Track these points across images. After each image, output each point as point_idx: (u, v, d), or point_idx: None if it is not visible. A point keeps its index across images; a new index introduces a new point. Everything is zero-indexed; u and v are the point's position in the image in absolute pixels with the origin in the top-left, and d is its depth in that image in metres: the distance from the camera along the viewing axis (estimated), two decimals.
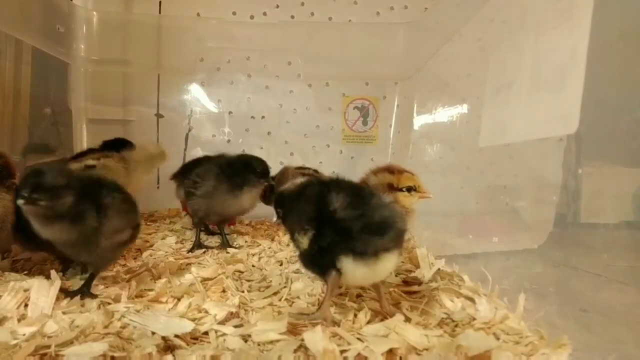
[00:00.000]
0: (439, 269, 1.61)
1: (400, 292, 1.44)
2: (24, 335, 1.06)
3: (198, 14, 2.88)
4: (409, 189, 1.55)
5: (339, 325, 1.17)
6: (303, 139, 2.96)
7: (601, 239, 1.27)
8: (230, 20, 2.87)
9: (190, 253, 1.93)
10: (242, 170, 2.01)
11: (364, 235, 1.10)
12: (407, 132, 2.74)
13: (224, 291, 1.44)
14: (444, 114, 2.31)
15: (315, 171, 2.56)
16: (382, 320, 1.19)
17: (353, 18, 2.93)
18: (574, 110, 1.21)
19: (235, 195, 2.01)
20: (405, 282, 1.55)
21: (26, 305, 1.21)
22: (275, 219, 1.36)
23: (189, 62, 2.85)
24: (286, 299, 1.39)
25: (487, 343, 1.04)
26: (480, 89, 1.78)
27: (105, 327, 1.11)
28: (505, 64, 1.66)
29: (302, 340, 1.04)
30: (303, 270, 1.65)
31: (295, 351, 1.02)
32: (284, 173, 2.40)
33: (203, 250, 1.97)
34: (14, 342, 1.02)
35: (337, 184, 1.23)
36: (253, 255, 1.91)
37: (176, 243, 2.06)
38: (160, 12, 2.87)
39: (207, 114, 2.94)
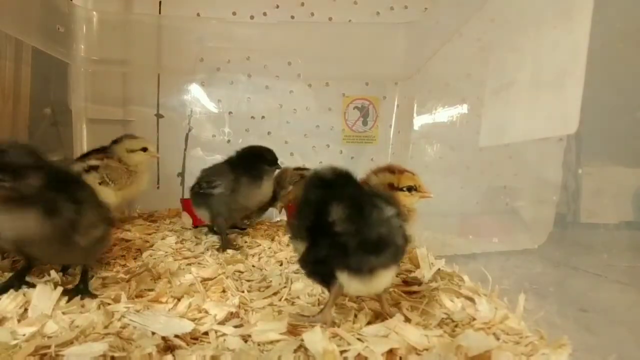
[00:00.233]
0: (439, 269, 1.62)
1: (400, 292, 1.44)
2: (24, 335, 1.06)
3: (198, 14, 2.88)
4: (410, 189, 1.54)
5: (338, 325, 1.17)
6: (303, 139, 2.96)
7: (601, 239, 1.27)
8: (230, 20, 2.87)
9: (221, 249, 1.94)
10: (256, 161, 2.10)
11: (359, 252, 1.08)
12: (407, 132, 2.74)
13: (224, 291, 1.44)
14: (444, 114, 2.31)
15: None
16: (382, 320, 1.19)
17: (353, 18, 2.93)
18: (574, 110, 1.21)
19: (258, 185, 2.08)
20: (405, 282, 1.55)
21: (26, 310, 1.21)
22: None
23: (189, 62, 2.86)
24: (286, 299, 1.39)
25: (487, 343, 1.04)
26: (480, 89, 1.78)
27: (105, 327, 1.11)
28: (505, 64, 1.66)
29: (302, 340, 1.04)
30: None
31: (295, 351, 1.02)
32: (283, 174, 2.40)
33: (236, 247, 2.00)
34: (14, 342, 1.02)
35: (341, 188, 1.21)
36: (253, 255, 1.91)
37: (176, 243, 2.06)
38: (160, 12, 2.88)
39: (207, 114, 2.94)
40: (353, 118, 2.99)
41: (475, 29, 2.01)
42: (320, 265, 1.15)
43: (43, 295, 1.25)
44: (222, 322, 1.18)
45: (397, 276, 1.60)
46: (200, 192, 2.07)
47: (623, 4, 1.24)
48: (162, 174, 2.84)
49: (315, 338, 1.04)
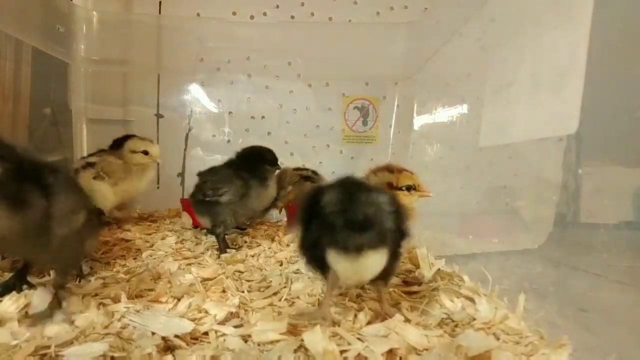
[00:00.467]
0: (439, 269, 1.61)
1: (400, 292, 1.44)
2: (24, 335, 1.06)
3: (198, 14, 2.88)
4: (409, 188, 1.54)
5: (338, 325, 1.17)
6: (303, 139, 2.96)
7: (601, 239, 1.27)
8: (230, 20, 2.88)
9: (221, 255, 1.89)
10: (258, 162, 2.08)
11: (345, 229, 1.09)
12: (407, 132, 2.74)
13: (224, 291, 1.44)
14: (444, 114, 2.31)
15: (314, 172, 2.56)
16: (382, 320, 1.19)
17: (353, 18, 2.94)
18: (574, 110, 1.21)
19: (265, 187, 2.08)
20: (405, 282, 1.55)
21: (27, 313, 1.21)
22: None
23: (189, 62, 2.86)
24: (286, 299, 1.39)
25: (487, 343, 1.04)
26: (480, 89, 1.78)
27: (105, 327, 1.11)
28: (505, 64, 1.66)
29: (302, 340, 1.04)
30: (303, 270, 1.66)
31: (295, 351, 1.02)
32: (282, 174, 2.40)
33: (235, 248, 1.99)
34: (14, 342, 1.02)
35: (341, 183, 1.22)
36: (253, 255, 1.91)
37: (176, 243, 2.06)
38: (160, 12, 2.88)
39: (207, 114, 2.94)
40: (353, 118, 2.99)
41: (475, 29, 2.01)
42: (314, 249, 1.17)
43: (43, 296, 1.25)
44: (222, 322, 1.18)
45: (397, 276, 1.60)
46: (206, 200, 1.98)
47: (623, 4, 1.24)
48: (162, 174, 2.84)
49: (315, 338, 1.04)
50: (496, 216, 1.94)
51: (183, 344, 1.05)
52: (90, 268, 1.62)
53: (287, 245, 2.07)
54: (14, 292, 1.27)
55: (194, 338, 1.10)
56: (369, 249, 1.10)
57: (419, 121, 2.65)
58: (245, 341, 1.09)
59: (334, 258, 1.13)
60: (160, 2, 2.87)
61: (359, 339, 1.07)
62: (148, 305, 1.27)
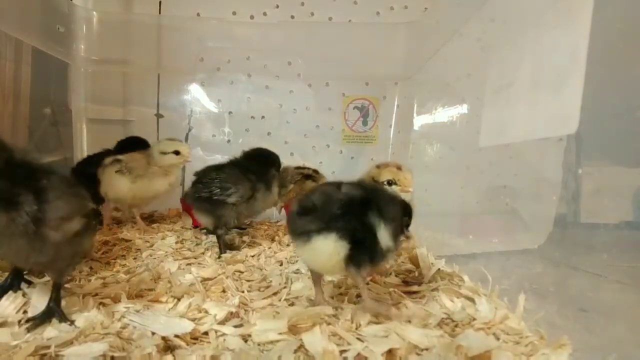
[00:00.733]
0: (439, 269, 1.62)
1: (400, 292, 1.44)
2: (24, 335, 1.06)
3: (198, 14, 2.88)
4: (389, 183, 1.55)
5: (337, 319, 1.16)
6: (303, 139, 2.96)
7: (601, 239, 1.27)
8: (230, 20, 2.87)
9: (221, 256, 1.88)
10: (267, 165, 2.10)
11: (295, 217, 1.23)
12: (407, 132, 2.74)
13: (224, 291, 1.44)
14: (444, 114, 2.31)
15: (315, 171, 2.56)
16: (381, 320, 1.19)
17: (353, 18, 2.93)
18: (574, 110, 1.21)
19: (271, 190, 2.08)
20: (405, 282, 1.55)
21: (25, 312, 1.21)
22: None
23: (189, 62, 2.86)
24: (286, 299, 1.39)
25: (487, 343, 1.04)
26: (480, 89, 1.78)
27: (105, 327, 1.11)
28: (505, 64, 1.66)
29: (302, 340, 1.04)
30: (303, 270, 1.66)
31: (295, 351, 1.02)
32: (284, 172, 2.40)
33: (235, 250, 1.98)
34: (15, 342, 1.02)
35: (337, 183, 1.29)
36: (253, 255, 1.91)
37: (176, 243, 2.06)
38: (160, 12, 2.88)
39: (207, 114, 2.94)
40: (353, 118, 2.99)
41: (475, 29, 2.01)
42: None
43: (42, 296, 1.25)
44: (222, 322, 1.18)
45: (397, 276, 1.60)
46: (212, 199, 1.91)
47: (623, 4, 1.24)
48: None
49: (315, 338, 1.04)
50: (496, 216, 1.94)
51: (183, 343, 1.05)
52: (90, 268, 1.62)
53: (287, 245, 2.07)
54: (12, 292, 1.27)
55: (194, 338, 1.10)
56: (316, 234, 1.17)
57: (419, 121, 2.65)
58: (245, 341, 1.09)
59: (295, 246, 1.29)
60: (160, 2, 2.87)
61: (358, 339, 1.07)
62: (148, 305, 1.28)
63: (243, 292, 1.43)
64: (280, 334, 1.09)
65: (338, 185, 1.26)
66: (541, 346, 1.07)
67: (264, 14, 2.91)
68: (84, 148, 2.80)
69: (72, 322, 1.14)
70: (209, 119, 2.94)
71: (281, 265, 1.78)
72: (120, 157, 2.24)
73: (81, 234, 1.17)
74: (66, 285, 1.37)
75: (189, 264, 1.74)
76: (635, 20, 1.18)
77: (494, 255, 1.73)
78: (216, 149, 2.86)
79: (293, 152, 2.91)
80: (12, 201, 1.03)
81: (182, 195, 2.58)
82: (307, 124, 2.97)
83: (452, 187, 2.18)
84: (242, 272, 1.66)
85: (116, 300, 1.29)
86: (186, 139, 2.88)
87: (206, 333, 1.12)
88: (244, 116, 2.94)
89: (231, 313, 1.23)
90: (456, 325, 1.21)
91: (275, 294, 1.44)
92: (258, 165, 2.07)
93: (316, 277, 1.34)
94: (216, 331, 1.13)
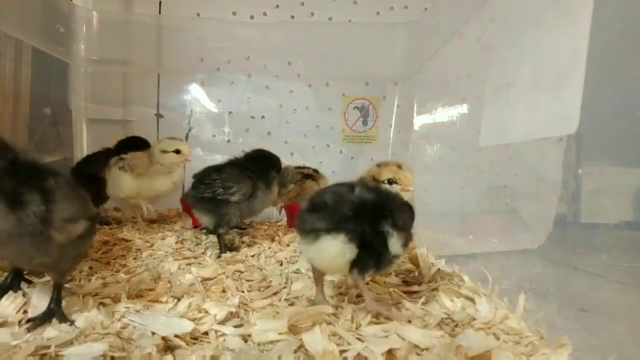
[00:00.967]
0: (439, 269, 1.61)
1: (400, 292, 1.44)
2: (24, 335, 1.06)
3: (198, 14, 2.88)
4: (390, 182, 1.55)
5: (337, 318, 1.17)
6: (303, 139, 2.96)
7: (601, 239, 1.27)
8: (230, 20, 2.88)
9: (221, 255, 1.88)
10: (267, 166, 2.11)
11: (305, 214, 1.24)
12: (407, 132, 2.74)
13: (224, 291, 1.44)
14: (444, 114, 2.31)
15: (315, 171, 2.57)
16: (377, 317, 1.19)
17: (353, 18, 2.93)
18: (574, 110, 1.21)
19: (270, 191, 2.10)
20: (405, 282, 1.55)
21: (25, 312, 1.21)
22: None
23: (189, 62, 2.86)
24: (286, 299, 1.39)
25: (487, 343, 1.04)
26: (480, 89, 1.78)
27: (105, 327, 1.11)
28: (505, 64, 1.66)
29: (302, 340, 1.04)
30: (303, 270, 1.66)
31: (295, 351, 1.02)
32: (284, 172, 2.40)
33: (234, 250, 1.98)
34: (15, 342, 1.02)
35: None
36: (253, 255, 1.91)
37: (176, 243, 2.06)
38: (160, 12, 2.88)
39: (207, 114, 2.94)
40: (353, 118, 2.99)
41: (475, 29, 2.01)
42: None
43: (43, 296, 1.25)
44: (222, 322, 1.18)
45: (397, 276, 1.60)
46: (215, 199, 1.92)
47: (623, 4, 1.23)
48: None
49: (315, 338, 1.04)
50: (496, 216, 1.94)
51: (183, 343, 1.05)
52: (90, 268, 1.62)
53: (287, 245, 2.07)
54: (12, 292, 1.27)
55: (194, 338, 1.10)
56: (325, 233, 1.17)
57: (419, 121, 2.64)
58: (245, 341, 1.09)
59: (300, 244, 1.27)
60: (160, 2, 2.87)
61: (358, 338, 1.07)
62: (148, 305, 1.28)
63: (243, 292, 1.43)
64: (280, 334, 1.09)
65: (351, 186, 1.25)
66: (541, 346, 1.07)
67: (264, 14, 2.91)
68: (84, 148, 2.81)
69: (72, 323, 1.14)
70: (209, 119, 2.94)
71: (281, 265, 1.78)
72: (124, 155, 2.26)
73: (84, 236, 1.17)
74: (66, 285, 1.36)
75: (189, 264, 1.74)
76: (635, 20, 1.18)
77: (494, 255, 1.73)
78: (216, 149, 2.86)
79: (293, 152, 2.92)
80: (18, 201, 1.02)
81: (182, 195, 2.59)
82: (307, 124, 2.97)
83: (452, 187, 2.17)
84: (242, 272, 1.66)
85: (116, 300, 1.29)
86: (186, 139, 2.87)
87: (206, 333, 1.12)
88: (244, 116, 2.95)
89: (231, 313, 1.23)
90: (456, 325, 1.21)
91: (275, 294, 1.44)
92: (258, 166, 2.08)
93: (318, 276, 1.34)
94: (216, 331, 1.13)
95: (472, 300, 1.35)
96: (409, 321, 1.20)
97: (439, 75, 2.45)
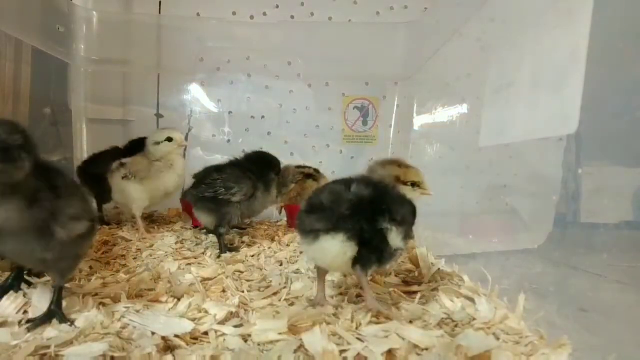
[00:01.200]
0: (439, 269, 1.62)
1: (400, 292, 1.44)
2: (24, 335, 1.06)
3: (198, 14, 2.88)
4: (414, 184, 1.56)
5: (338, 318, 1.17)
6: (303, 139, 2.96)
7: (601, 239, 1.27)
8: (230, 20, 2.88)
9: (221, 255, 1.88)
10: (268, 168, 2.12)
11: (305, 215, 1.25)
12: (407, 132, 2.74)
13: (224, 291, 1.44)
14: (444, 114, 2.31)
15: (316, 170, 2.57)
16: (377, 317, 1.19)
17: (353, 18, 2.93)
18: (574, 110, 1.21)
19: (270, 192, 2.11)
20: (405, 282, 1.55)
21: (26, 312, 1.21)
22: None
23: (189, 62, 2.86)
24: (286, 299, 1.39)
25: (487, 343, 1.04)
26: (480, 89, 1.78)
27: (105, 327, 1.11)
28: (505, 64, 1.66)
29: (302, 340, 1.04)
30: (303, 270, 1.66)
31: (295, 351, 1.02)
32: (285, 172, 2.40)
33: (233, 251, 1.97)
34: (15, 342, 1.02)
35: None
36: (253, 255, 1.91)
37: (176, 243, 2.06)
38: (160, 12, 2.88)
39: (207, 114, 2.94)
40: (353, 118, 2.99)
41: (475, 29, 2.01)
42: None
43: (43, 296, 1.25)
44: (222, 322, 1.18)
45: (397, 276, 1.60)
46: (217, 199, 1.93)
47: (623, 4, 1.23)
48: None
49: (315, 338, 1.04)
50: (496, 216, 1.94)
51: (183, 344, 1.05)
52: (90, 268, 1.62)
53: (287, 245, 2.07)
54: (13, 292, 1.27)
55: (194, 338, 1.10)
56: (325, 234, 1.18)
57: (419, 121, 2.64)
58: (245, 341, 1.09)
59: (301, 244, 1.29)
60: (160, 2, 2.87)
61: (358, 339, 1.07)
62: (148, 305, 1.28)
63: (243, 292, 1.43)
64: (280, 334, 1.09)
65: (348, 183, 1.26)
66: (541, 346, 1.07)
67: (264, 14, 2.91)
68: (84, 148, 2.80)
69: (72, 323, 1.14)
70: (209, 119, 2.95)
71: (281, 265, 1.78)
72: (124, 161, 2.24)
73: (85, 236, 1.19)
74: (66, 286, 1.36)
75: (189, 264, 1.74)
76: (635, 20, 1.18)
77: (494, 255, 1.73)
78: (216, 149, 2.86)
79: (293, 152, 2.92)
80: (35, 198, 1.05)
81: (181, 195, 2.59)
82: (307, 124, 2.97)
83: (452, 187, 2.17)
84: (242, 272, 1.66)
85: (116, 300, 1.29)
86: (186, 139, 2.87)
87: (206, 333, 1.12)
88: (244, 116, 2.95)
89: (231, 313, 1.23)
90: (456, 325, 1.21)
91: (275, 294, 1.44)
92: (258, 168, 2.09)
93: (322, 274, 1.35)
94: (216, 331, 1.13)
95: (472, 300, 1.35)
96: (409, 321, 1.20)
97: (439, 75, 2.45)
